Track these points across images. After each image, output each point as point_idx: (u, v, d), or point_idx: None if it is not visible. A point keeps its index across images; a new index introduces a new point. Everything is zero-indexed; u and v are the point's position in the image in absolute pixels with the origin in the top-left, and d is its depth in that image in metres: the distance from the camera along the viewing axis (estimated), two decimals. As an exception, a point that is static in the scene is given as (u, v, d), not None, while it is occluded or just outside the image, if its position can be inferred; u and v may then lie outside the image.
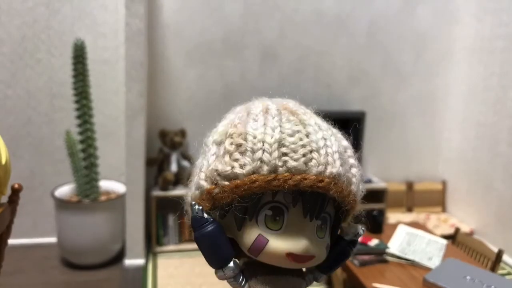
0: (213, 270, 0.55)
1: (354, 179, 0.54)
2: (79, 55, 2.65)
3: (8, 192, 1.20)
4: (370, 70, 3.59)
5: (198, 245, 0.54)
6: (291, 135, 0.52)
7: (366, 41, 3.52)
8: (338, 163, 0.52)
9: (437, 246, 2.21)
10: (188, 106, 3.31)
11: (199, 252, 0.55)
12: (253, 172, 0.50)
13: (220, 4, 3.21)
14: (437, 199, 3.84)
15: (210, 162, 0.54)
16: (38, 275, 2.79)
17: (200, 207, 0.54)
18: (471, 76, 3.55)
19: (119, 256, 2.99)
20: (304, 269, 0.59)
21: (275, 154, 0.50)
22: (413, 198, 3.75)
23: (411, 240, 2.25)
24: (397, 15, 3.52)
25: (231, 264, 0.54)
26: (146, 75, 2.86)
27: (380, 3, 3.47)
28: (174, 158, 3.19)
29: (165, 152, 3.22)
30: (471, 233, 3.41)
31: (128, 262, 2.93)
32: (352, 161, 0.56)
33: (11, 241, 1.27)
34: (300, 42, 3.40)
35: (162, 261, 3.04)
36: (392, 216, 3.49)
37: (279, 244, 0.52)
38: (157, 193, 3.11)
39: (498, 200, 3.27)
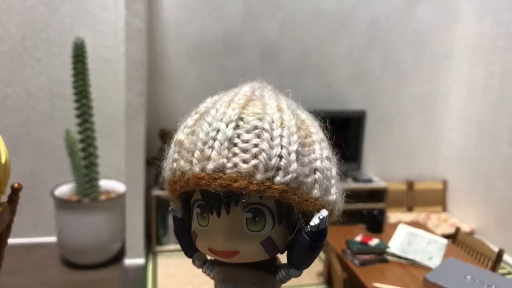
0: None
1: (262, 166, 0.47)
2: (79, 54, 2.64)
3: (8, 191, 1.20)
4: (371, 69, 3.58)
5: None
6: (192, 134, 0.53)
7: (367, 40, 3.51)
8: (224, 153, 0.48)
9: (437, 245, 2.21)
10: (188, 105, 3.24)
11: None
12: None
13: (220, 3, 3.20)
14: (437, 199, 3.83)
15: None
16: (38, 274, 2.79)
17: (172, 205, 0.61)
18: (471, 75, 3.55)
19: (119, 255, 2.99)
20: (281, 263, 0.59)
21: (175, 156, 0.54)
22: (414, 198, 3.74)
23: (412, 239, 2.25)
24: (398, 14, 3.52)
25: (195, 255, 0.60)
26: (146, 74, 2.85)
27: (380, 2, 3.46)
28: (174, 157, 3.18)
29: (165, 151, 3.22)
30: (471, 233, 3.41)
31: (128, 261, 2.93)
32: (274, 146, 0.48)
33: (11, 241, 1.27)
34: (301, 41, 3.39)
35: (162, 261, 3.04)
36: (392, 216, 3.48)
37: (203, 241, 0.55)
38: (157, 192, 3.10)
39: (499, 200, 3.27)
